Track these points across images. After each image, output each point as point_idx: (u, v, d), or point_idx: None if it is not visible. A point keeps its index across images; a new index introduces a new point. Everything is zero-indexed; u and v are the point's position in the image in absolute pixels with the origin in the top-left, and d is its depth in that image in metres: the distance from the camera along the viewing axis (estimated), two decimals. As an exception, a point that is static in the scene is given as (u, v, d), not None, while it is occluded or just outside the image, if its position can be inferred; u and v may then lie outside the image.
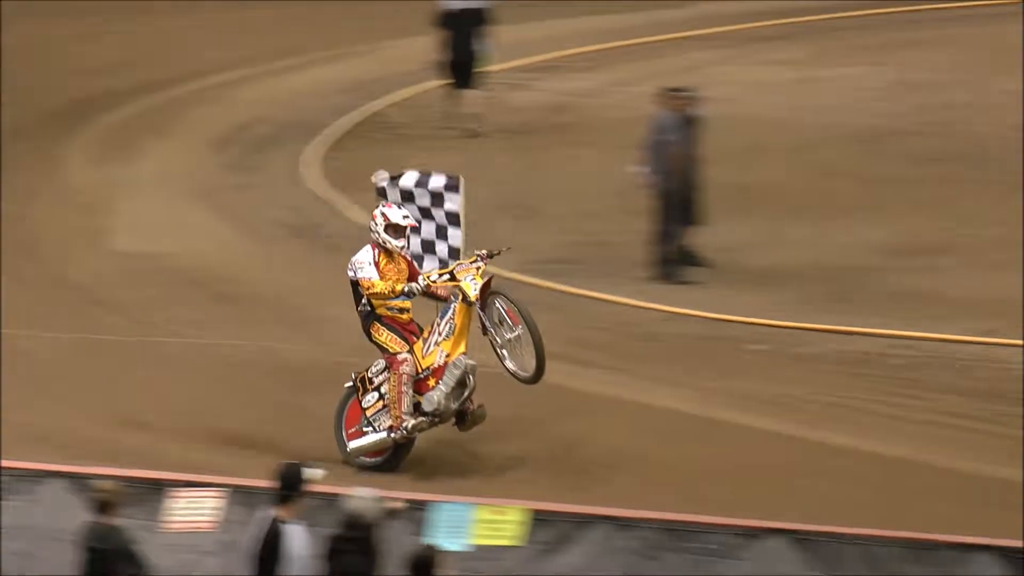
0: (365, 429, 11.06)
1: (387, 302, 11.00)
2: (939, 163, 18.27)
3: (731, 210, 16.10)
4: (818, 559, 7.99)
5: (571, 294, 15.27)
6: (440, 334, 10.97)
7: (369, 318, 11.06)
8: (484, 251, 11.04)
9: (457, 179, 11.46)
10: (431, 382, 10.94)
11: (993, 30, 23.34)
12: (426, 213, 11.50)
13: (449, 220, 11.40)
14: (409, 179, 11.53)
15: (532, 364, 10.82)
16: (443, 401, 10.87)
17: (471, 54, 19.89)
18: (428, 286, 10.93)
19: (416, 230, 11.38)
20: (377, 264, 10.93)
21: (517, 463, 11.29)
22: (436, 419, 10.95)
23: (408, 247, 11.13)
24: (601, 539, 8.26)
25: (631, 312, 14.82)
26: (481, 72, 20.05)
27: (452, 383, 10.88)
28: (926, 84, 21.42)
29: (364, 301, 11.03)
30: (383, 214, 10.98)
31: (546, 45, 23.96)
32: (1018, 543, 7.88)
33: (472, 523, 8.59)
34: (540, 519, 8.31)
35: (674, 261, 15.49)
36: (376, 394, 11.08)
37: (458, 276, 10.95)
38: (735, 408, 12.42)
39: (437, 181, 11.47)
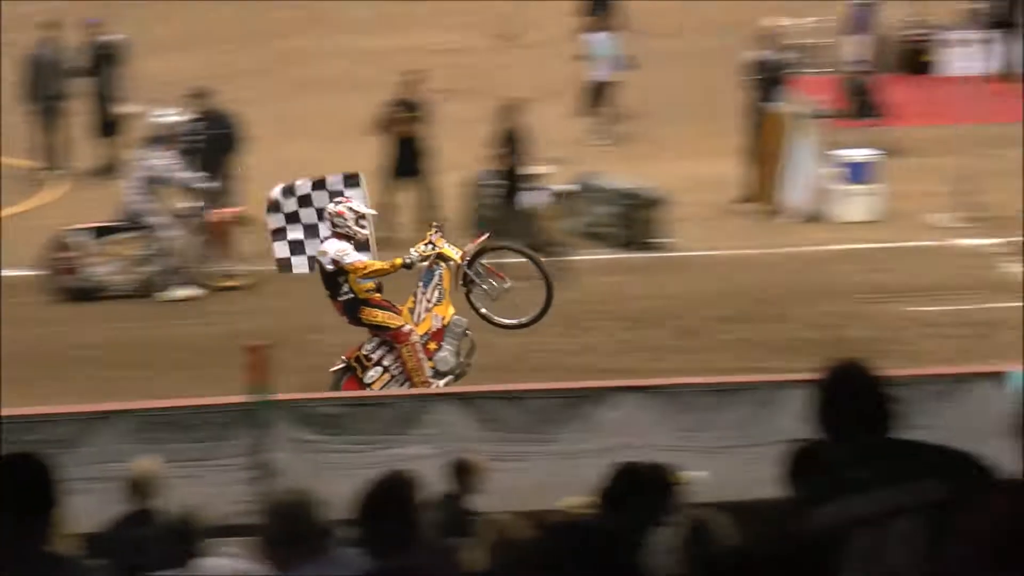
0: None
1: (364, 284, 11.23)
2: None
3: None
4: None
5: None
6: (430, 301, 11.45)
7: (356, 304, 11.29)
8: (436, 223, 11.99)
9: (356, 175, 11.94)
10: (431, 346, 11.47)
11: None
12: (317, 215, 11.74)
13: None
14: (304, 186, 11.93)
15: (542, 299, 11.63)
16: (453, 359, 11.49)
17: None
18: (419, 256, 11.37)
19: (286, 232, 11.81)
20: None
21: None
22: (451, 376, 11.48)
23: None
24: None
25: None
26: None
27: (456, 342, 11.52)
28: None
29: (347, 288, 11.25)
30: (351, 208, 11.36)
31: None
32: None
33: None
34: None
35: None
36: (379, 368, 11.38)
37: (438, 245, 11.43)
38: None
39: (335, 180, 11.88)
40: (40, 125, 18.19)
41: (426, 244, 11.57)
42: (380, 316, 11.47)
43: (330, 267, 11.43)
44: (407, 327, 11.48)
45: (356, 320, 11.55)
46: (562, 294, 12.24)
